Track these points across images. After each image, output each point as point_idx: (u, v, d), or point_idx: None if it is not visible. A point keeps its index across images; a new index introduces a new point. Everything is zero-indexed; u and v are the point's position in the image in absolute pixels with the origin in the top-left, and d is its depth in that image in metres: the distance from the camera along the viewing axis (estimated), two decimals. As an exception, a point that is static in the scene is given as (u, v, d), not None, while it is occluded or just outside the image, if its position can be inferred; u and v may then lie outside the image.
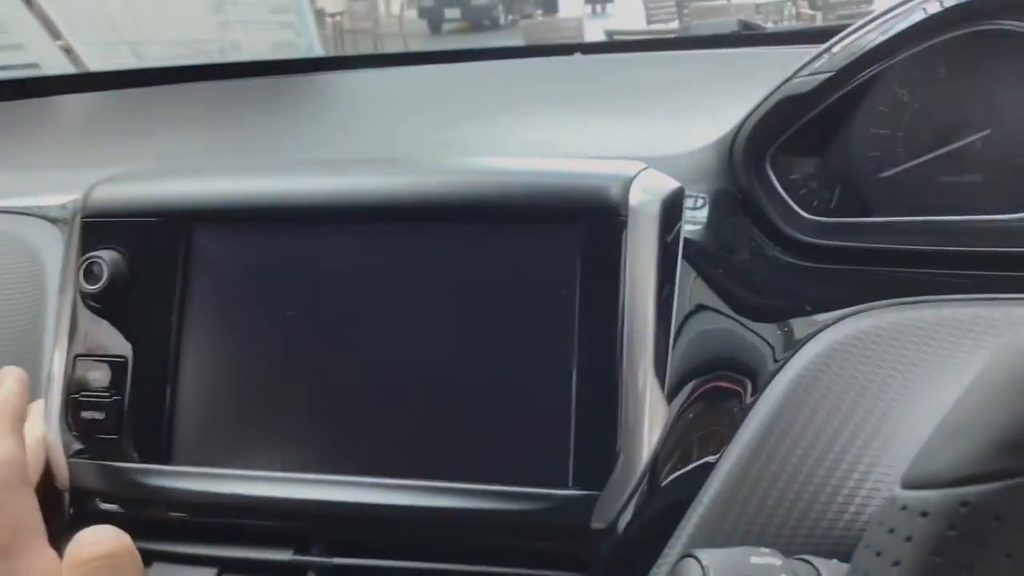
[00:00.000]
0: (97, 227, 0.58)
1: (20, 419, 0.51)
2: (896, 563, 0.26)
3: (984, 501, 0.25)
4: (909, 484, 0.28)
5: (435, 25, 12.01)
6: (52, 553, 0.45)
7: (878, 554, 0.27)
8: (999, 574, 0.25)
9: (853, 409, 0.53)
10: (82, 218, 0.58)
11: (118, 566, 0.44)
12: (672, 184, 0.55)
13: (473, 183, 0.54)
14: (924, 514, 0.26)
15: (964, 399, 0.28)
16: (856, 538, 0.49)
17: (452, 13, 12.00)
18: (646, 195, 0.52)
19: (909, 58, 0.63)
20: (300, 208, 0.56)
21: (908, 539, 0.26)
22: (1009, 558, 0.25)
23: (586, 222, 0.52)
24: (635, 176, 0.53)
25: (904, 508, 0.27)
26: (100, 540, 0.45)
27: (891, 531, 0.27)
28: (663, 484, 0.51)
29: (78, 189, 0.67)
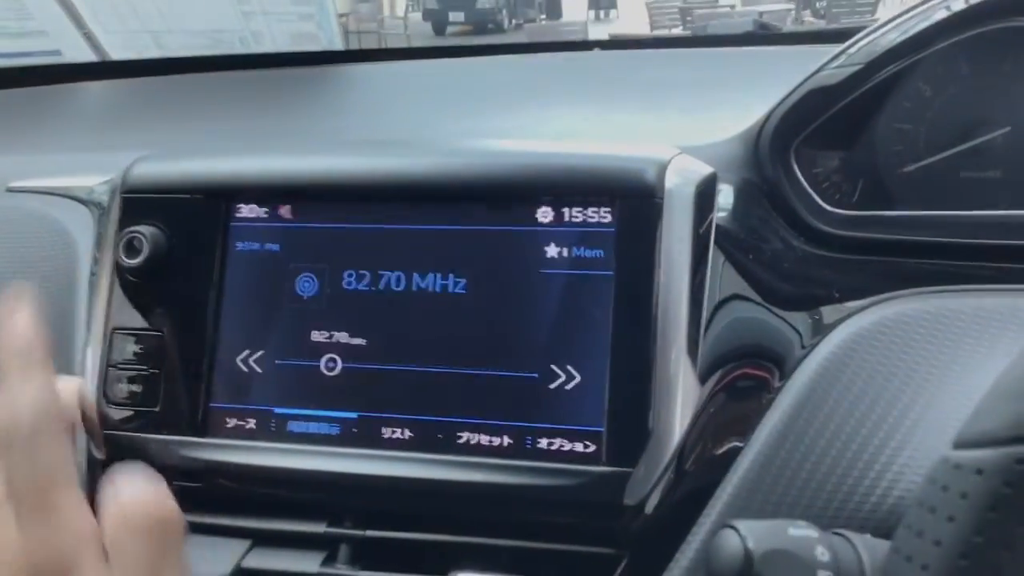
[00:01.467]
0: (137, 203, 0.59)
1: (45, 354, 0.43)
2: (951, 519, 0.27)
3: (1040, 458, 0.26)
4: (963, 444, 0.28)
5: (439, 28, 12.03)
6: (87, 509, 0.40)
7: (932, 511, 0.28)
8: (1053, 530, 0.26)
9: (880, 394, 0.53)
10: (122, 193, 0.59)
11: (169, 532, 0.40)
12: (706, 169, 0.56)
13: (511, 164, 0.55)
14: (979, 472, 0.27)
15: (1017, 363, 0.29)
16: (884, 519, 0.50)
17: (456, 16, 12.01)
18: (681, 178, 0.53)
19: (933, 55, 0.63)
20: (339, 186, 0.57)
21: (963, 496, 0.27)
22: (1062, 514, 0.26)
23: (622, 204, 0.53)
24: (671, 160, 0.54)
25: (958, 467, 0.28)
26: (147, 499, 0.42)
27: (944, 488, 0.28)
28: (693, 464, 0.52)
29: (104, 171, 0.68)
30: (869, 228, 0.65)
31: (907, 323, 0.56)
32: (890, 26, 0.64)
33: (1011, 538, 0.26)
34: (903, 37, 0.63)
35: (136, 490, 0.40)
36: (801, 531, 0.40)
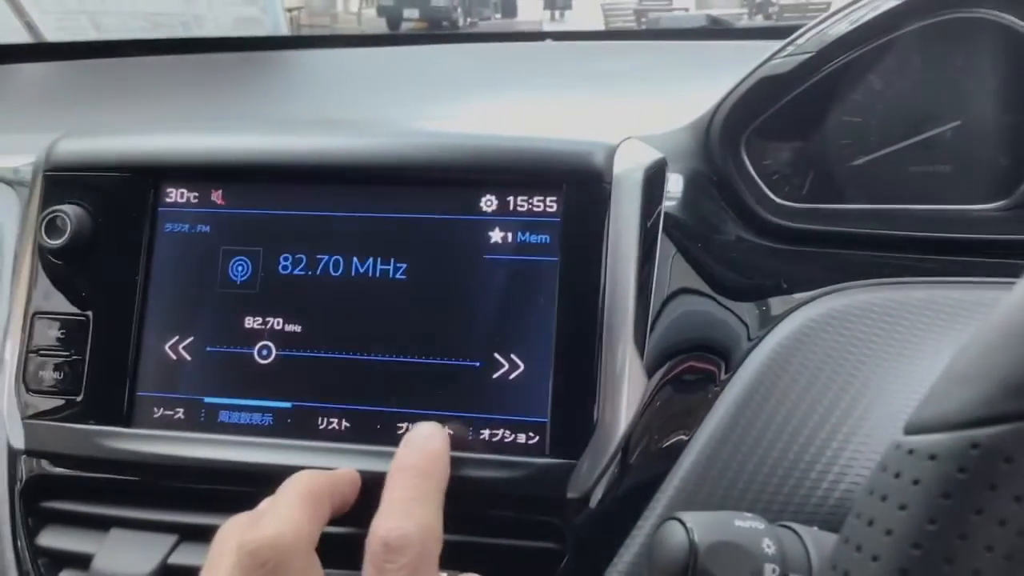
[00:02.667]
0: (60, 181, 0.56)
1: (442, 482, 0.46)
2: (903, 507, 0.26)
3: (995, 443, 0.25)
4: (915, 429, 0.27)
5: (394, 24, 11.96)
6: None
7: (883, 499, 0.27)
8: (1008, 518, 0.25)
9: (828, 385, 0.53)
10: (45, 171, 0.56)
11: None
12: (655, 154, 0.55)
13: (457, 147, 0.53)
14: (932, 457, 0.26)
15: (970, 345, 0.28)
16: (831, 512, 0.49)
17: (411, 13, 11.95)
18: (630, 163, 0.52)
19: (883, 46, 0.63)
20: (269, 166, 0.55)
21: (915, 482, 0.26)
22: (1018, 502, 0.25)
23: (569, 188, 0.51)
24: (619, 144, 0.53)
25: (911, 452, 0.27)
26: None
27: (896, 475, 0.27)
28: (639, 457, 0.51)
29: (32, 153, 0.65)
30: (818, 220, 0.64)
31: (855, 315, 0.56)
32: (840, 15, 0.63)
33: (965, 526, 0.25)
34: (853, 26, 0.62)
35: None
36: (747, 523, 0.39)
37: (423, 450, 0.46)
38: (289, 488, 0.45)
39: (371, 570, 0.40)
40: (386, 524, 0.41)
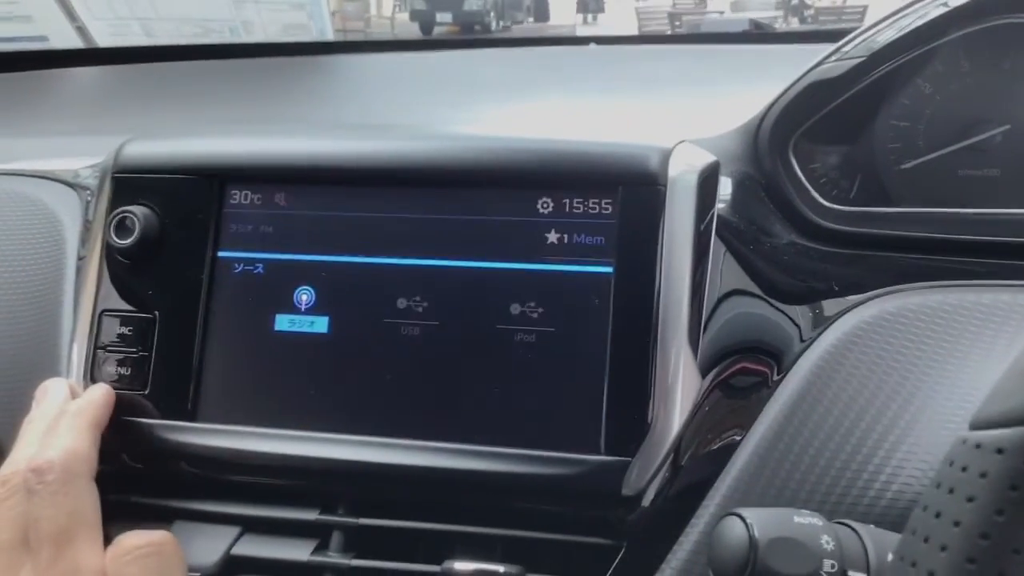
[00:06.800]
0: (128, 183, 0.58)
1: (99, 424, 0.52)
2: (971, 499, 0.27)
3: (1063, 437, 0.26)
4: (981, 424, 0.28)
5: (426, 28, 11.97)
6: (101, 550, 0.46)
7: (950, 491, 0.27)
8: (1075, 510, 0.26)
9: (880, 387, 0.53)
10: (113, 173, 0.58)
11: (162, 554, 0.46)
12: (709, 157, 0.55)
13: (515, 150, 0.54)
14: (1000, 451, 0.27)
15: (1036, 344, 0.28)
16: (883, 509, 0.49)
17: (444, 17, 11.95)
18: (685, 166, 0.53)
19: (933, 51, 0.63)
20: (332, 169, 0.56)
21: (983, 475, 0.27)
22: (1084, 494, 0.26)
23: (625, 191, 0.52)
24: (674, 148, 0.53)
25: (978, 446, 0.27)
26: (144, 533, 0.46)
27: (964, 469, 0.27)
28: (692, 456, 0.52)
29: (91, 155, 0.67)
30: (866, 224, 0.65)
31: (907, 317, 0.56)
32: (889, 21, 0.64)
33: (1032, 519, 0.26)
34: (903, 32, 0.62)
35: (135, 532, 0.47)
36: (806, 519, 0.40)
37: (52, 401, 0.53)
38: (72, 416, 0.51)
39: (25, 493, 0.46)
40: (32, 456, 0.47)
